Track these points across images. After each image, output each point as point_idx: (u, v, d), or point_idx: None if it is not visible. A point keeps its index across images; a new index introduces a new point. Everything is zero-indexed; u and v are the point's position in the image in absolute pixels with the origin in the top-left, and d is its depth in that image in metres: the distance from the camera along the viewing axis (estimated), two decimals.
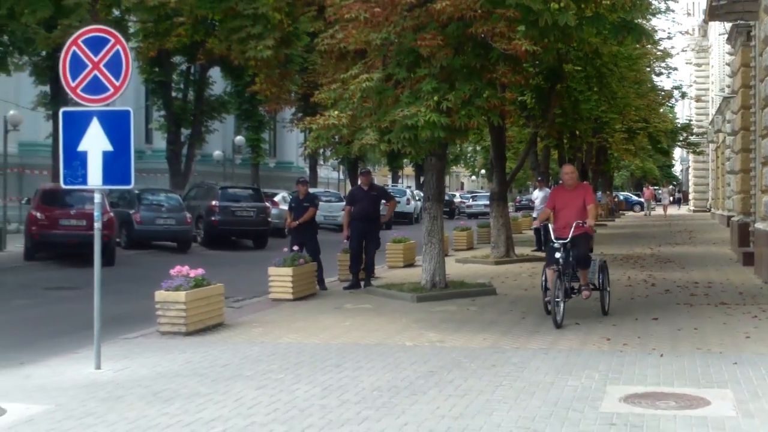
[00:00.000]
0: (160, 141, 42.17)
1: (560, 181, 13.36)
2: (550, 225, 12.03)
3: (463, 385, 8.02)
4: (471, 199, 60.70)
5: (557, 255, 11.36)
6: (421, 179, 56.37)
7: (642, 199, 70.40)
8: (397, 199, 43.14)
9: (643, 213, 64.63)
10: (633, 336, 10.65)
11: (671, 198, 52.55)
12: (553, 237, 11.70)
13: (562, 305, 11.29)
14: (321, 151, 43.80)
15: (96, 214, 9.19)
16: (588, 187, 13.04)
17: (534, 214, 25.89)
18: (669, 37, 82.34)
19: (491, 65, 13.09)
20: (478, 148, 45.99)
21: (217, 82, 40.23)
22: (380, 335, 10.87)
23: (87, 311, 10.19)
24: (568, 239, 11.49)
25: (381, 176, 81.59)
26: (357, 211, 15.99)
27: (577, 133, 33.67)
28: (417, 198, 46.59)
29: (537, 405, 7.25)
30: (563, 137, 33.38)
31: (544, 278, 11.98)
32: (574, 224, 11.55)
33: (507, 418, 6.84)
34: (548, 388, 7.87)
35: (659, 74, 37.21)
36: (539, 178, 26.97)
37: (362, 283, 15.90)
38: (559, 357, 9.33)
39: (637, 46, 27.23)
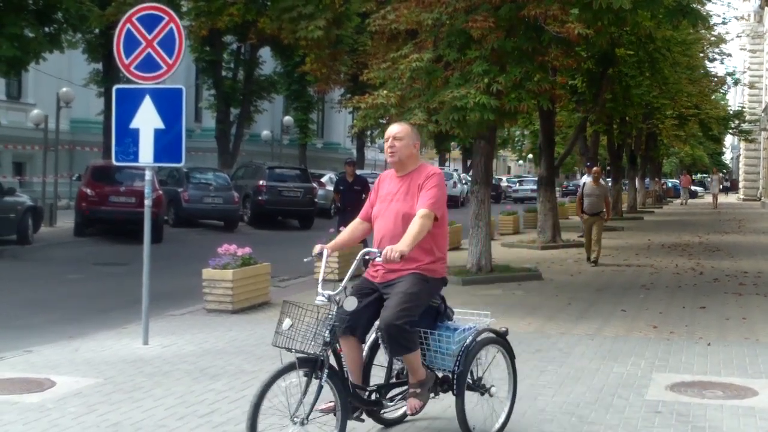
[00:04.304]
0: (209, 120, 42.47)
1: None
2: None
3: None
4: (518, 184, 60.36)
5: (347, 306, 5.19)
6: (468, 163, 56.29)
7: (689, 187, 67.27)
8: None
9: (680, 202, 60.41)
10: (680, 324, 10.54)
11: (721, 186, 51.39)
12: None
13: None
14: (368, 132, 43.92)
15: (146, 191, 9.28)
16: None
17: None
18: (724, 23, 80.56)
19: (543, 48, 12.97)
20: (525, 132, 45.64)
21: (267, 62, 40.35)
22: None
23: (135, 287, 10.33)
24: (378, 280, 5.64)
25: (428, 159, 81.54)
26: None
27: (627, 118, 33.26)
28: (464, 181, 46.43)
29: (582, 391, 7.21)
30: (613, 123, 33.03)
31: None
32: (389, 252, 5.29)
33: (552, 403, 6.82)
34: (593, 374, 7.83)
35: (712, 60, 36.71)
36: (588, 164, 26.72)
37: None
38: (604, 343, 9.26)
39: (691, 31, 26.81)
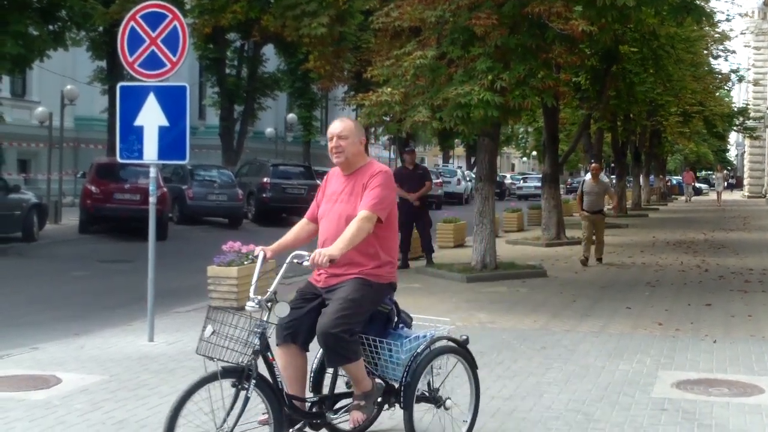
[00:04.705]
0: (213, 117, 42.51)
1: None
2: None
3: (513, 366, 8.00)
4: (522, 181, 60.32)
5: (278, 312, 5.01)
6: (472, 160, 56.31)
7: (693, 184, 66.95)
8: (447, 179, 43.48)
9: (683, 199, 59.87)
10: (685, 321, 10.52)
11: (725, 183, 51.07)
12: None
13: None
14: (372, 129, 43.93)
15: (151, 188, 9.28)
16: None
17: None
18: (728, 19, 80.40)
19: (547, 45, 12.97)
20: (530, 129, 45.62)
21: (271, 60, 40.38)
22: (430, 315, 10.82)
23: (140, 284, 10.33)
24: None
25: (432, 156, 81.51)
26: (405, 191, 15.97)
27: (632, 115, 33.21)
28: (467, 179, 46.43)
29: (587, 388, 7.20)
30: (617, 119, 32.96)
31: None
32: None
33: (557, 401, 6.81)
34: (599, 371, 7.82)
35: (717, 57, 36.56)
36: (592, 161, 26.66)
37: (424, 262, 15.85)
38: (610, 341, 9.25)
39: (695, 27, 26.74)
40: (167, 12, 9.25)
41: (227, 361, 4.72)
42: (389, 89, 12.73)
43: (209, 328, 4.72)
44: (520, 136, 61.38)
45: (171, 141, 9.06)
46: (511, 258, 16.67)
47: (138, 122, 9.08)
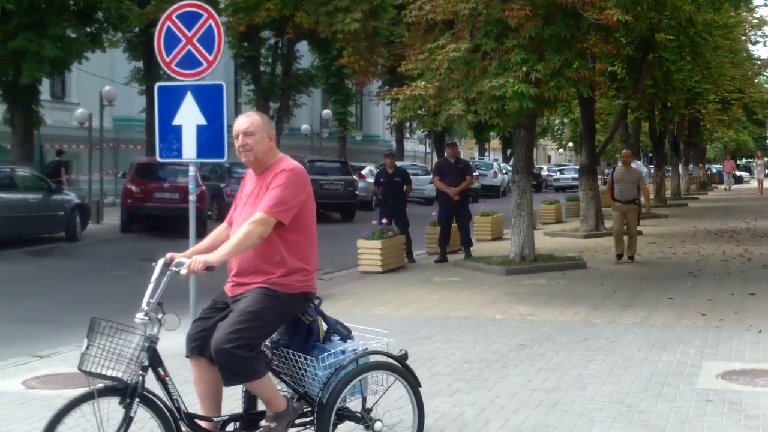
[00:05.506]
0: None
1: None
2: None
3: (555, 358, 7.96)
4: (558, 172, 59.98)
5: (167, 326, 4.78)
6: (508, 152, 56.04)
7: (733, 172, 65.28)
8: (483, 172, 43.34)
9: (723, 187, 58.21)
10: (729, 311, 10.40)
11: (766, 171, 50.15)
12: None
13: None
14: (407, 123, 43.90)
15: (191, 186, 9.37)
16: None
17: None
18: (766, 5, 79.61)
19: (581, 35, 12.88)
20: (565, 120, 45.32)
21: (305, 56, 40.45)
22: (469, 308, 10.85)
23: (182, 282, 10.41)
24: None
25: (467, 149, 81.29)
26: (445, 184, 15.97)
27: (669, 104, 32.86)
28: (504, 171, 46.27)
29: (631, 380, 7.15)
30: (654, 109, 32.64)
31: None
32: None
33: (600, 393, 6.77)
34: (642, 363, 7.76)
35: (755, 43, 36.10)
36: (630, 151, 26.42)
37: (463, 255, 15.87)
38: (652, 332, 9.18)
39: (733, 13, 26.40)
40: (202, 11, 9.31)
41: (108, 377, 4.39)
42: (423, 83, 12.73)
43: (85, 341, 4.36)
44: (556, 127, 61.02)
45: (209, 139, 9.12)
46: (550, 250, 16.59)
47: (176, 121, 9.15)
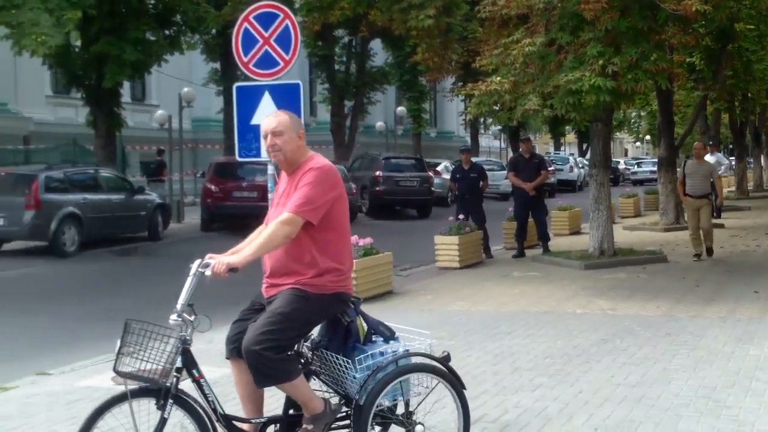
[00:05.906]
0: (324, 113, 43.01)
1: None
2: None
3: (638, 353, 7.87)
4: (636, 166, 59.06)
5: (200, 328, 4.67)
6: (584, 147, 55.42)
7: None
8: (559, 166, 42.92)
9: None
10: None
11: None
12: None
13: None
14: (482, 119, 43.70)
15: (269, 185, 9.48)
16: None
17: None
18: None
19: (659, 27, 12.66)
20: (642, 113, 44.61)
21: (378, 54, 40.61)
22: (549, 303, 10.78)
23: (261, 280, 10.57)
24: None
25: (542, 144, 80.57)
26: (521, 180, 15.88)
27: (750, 94, 32.10)
28: (580, 165, 45.78)
29: (717, 374, 7.04)
30: (734, 100, 31.92)
31: None
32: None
33: (686, 387, 6.68)
34: (728, 357, 7.63)
35: None
36: (710, 143, 25.93)
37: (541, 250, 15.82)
38: (738, 326, 9.00)
39: None
40: (279, 11, 9.44)
41: (142, 379, 4.40)
42: (498, 78, 12.67)
43: (118, 342, 4.39)
44: (632, 120, 60.08)
45: None
46: (629, 244, 16.37)
47: (254, 121, 9.28)
